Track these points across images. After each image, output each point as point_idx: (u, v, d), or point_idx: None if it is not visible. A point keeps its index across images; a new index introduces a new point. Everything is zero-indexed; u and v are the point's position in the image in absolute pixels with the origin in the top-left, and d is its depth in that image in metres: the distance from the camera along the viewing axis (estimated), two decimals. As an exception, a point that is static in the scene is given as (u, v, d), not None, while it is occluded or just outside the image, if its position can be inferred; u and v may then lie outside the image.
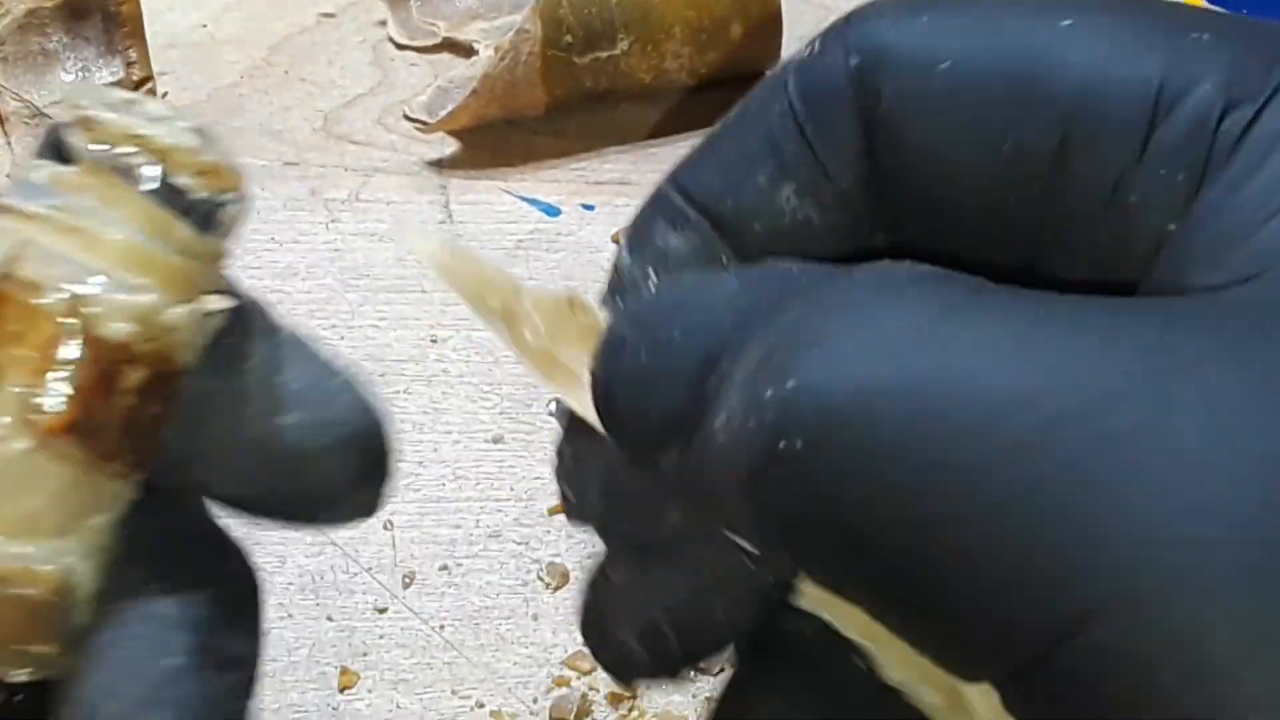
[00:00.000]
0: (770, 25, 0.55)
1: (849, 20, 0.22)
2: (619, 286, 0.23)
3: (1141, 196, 0.20)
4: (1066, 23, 0.20)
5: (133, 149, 0.21)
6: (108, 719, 0.20)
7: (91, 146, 0.21)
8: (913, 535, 0.17)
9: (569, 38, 0.54)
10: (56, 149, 0.21)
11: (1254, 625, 0.16)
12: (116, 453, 0.20)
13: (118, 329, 0.20)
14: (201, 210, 0.21)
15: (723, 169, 0.22)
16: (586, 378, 0.22)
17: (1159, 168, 0.19)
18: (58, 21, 0.53)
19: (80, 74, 0.53)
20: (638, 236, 0.23)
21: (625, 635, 0.23)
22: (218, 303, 0.21)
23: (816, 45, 0.22)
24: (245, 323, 0.22)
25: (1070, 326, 0.17)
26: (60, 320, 0.20)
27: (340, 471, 0.22)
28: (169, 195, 0.21)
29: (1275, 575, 0.16)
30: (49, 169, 0.21)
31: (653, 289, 0.22)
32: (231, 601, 0.22)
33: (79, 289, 0.20)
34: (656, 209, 0.23)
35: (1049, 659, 0.16)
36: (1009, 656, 0.17)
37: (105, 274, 0.20)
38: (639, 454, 0.21)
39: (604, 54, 0.54)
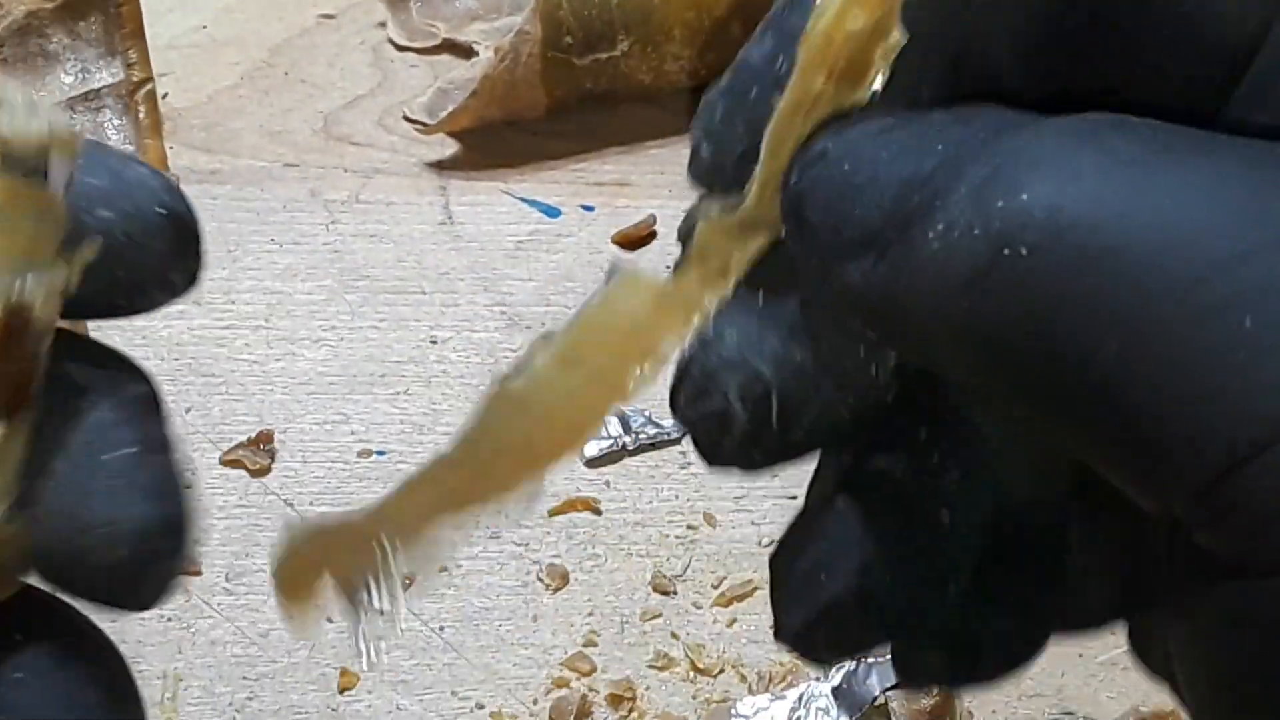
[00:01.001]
0: (770, 26, 0.55)
1: None
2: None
3: (1217, 21, 0.20)
4: None
5: (27, 152, 0.21)
6: (89, 512, 0.22)
7: None
8: (1125, 345, 0.18)
9: (569, 39, 0.54)
10: None
11: None
12: None
13: None
14: (30, 168, 0.22)
15: None
16: None
17: None
18: (58, 23, 0.53)
19: (80, 75, 0.53)
20: None
21: (727, 387, 0.23)
22: (60, 271, 0.22)
23: None
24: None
25: (1269, 165, 0.18)
26: None
27: (154, 254, 0.23)
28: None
29: None
30: None
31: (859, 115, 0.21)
32: (143, 395, 0.24)
33: None
34: None
35: (1239, 472, 0.17)
36: (1202, 469, 0.17)
37: None
38: (828, 263, 0.21)
39: (604, 55, 0.54)
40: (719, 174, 0.23)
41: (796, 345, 0.23)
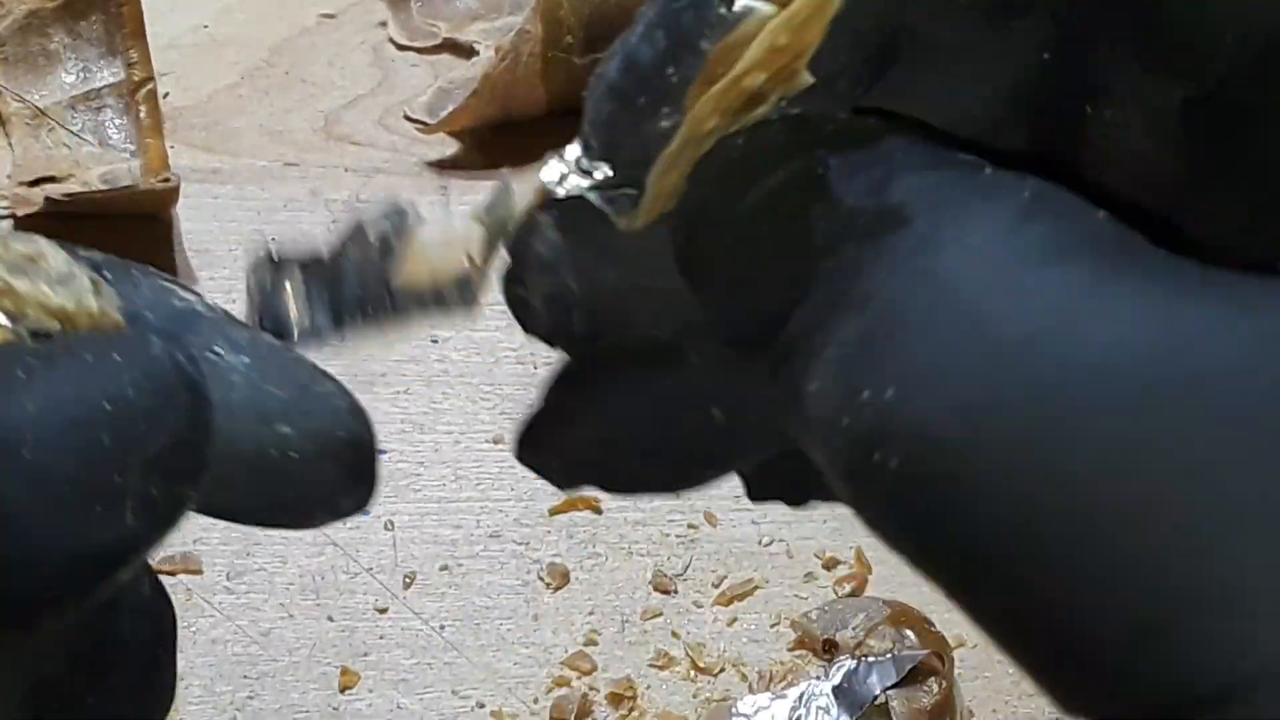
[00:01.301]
0: (770, 26, 0.56)
1: None
2: None
3: None
4: None
5: (42, 318, 0.20)
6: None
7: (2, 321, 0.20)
8: (1010, 586, 0.15)
9: (569, 38, 0.54)
10: None
11: None
12: None
13: None
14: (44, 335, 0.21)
15: None
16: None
17: None
18: (59, 22, 0.53)
19: (81, 75, 0.53)
20: None
21: (534, 290, 0.22)
22: None
23: None
24: (228, 338, 0.22)
25: (1216, 316, 0.15)
26: None
27: (329, 478, 0.22)
28: None
29: None
30: None
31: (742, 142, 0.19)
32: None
33: None
34: None
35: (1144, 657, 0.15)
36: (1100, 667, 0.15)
37: None
38: (726, 339, 0.19)
39: (604, 54, 0.54)
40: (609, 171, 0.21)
41: (610, 265, 0.21)
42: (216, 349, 0.22)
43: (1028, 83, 0.18)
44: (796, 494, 0.22)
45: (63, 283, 0.21)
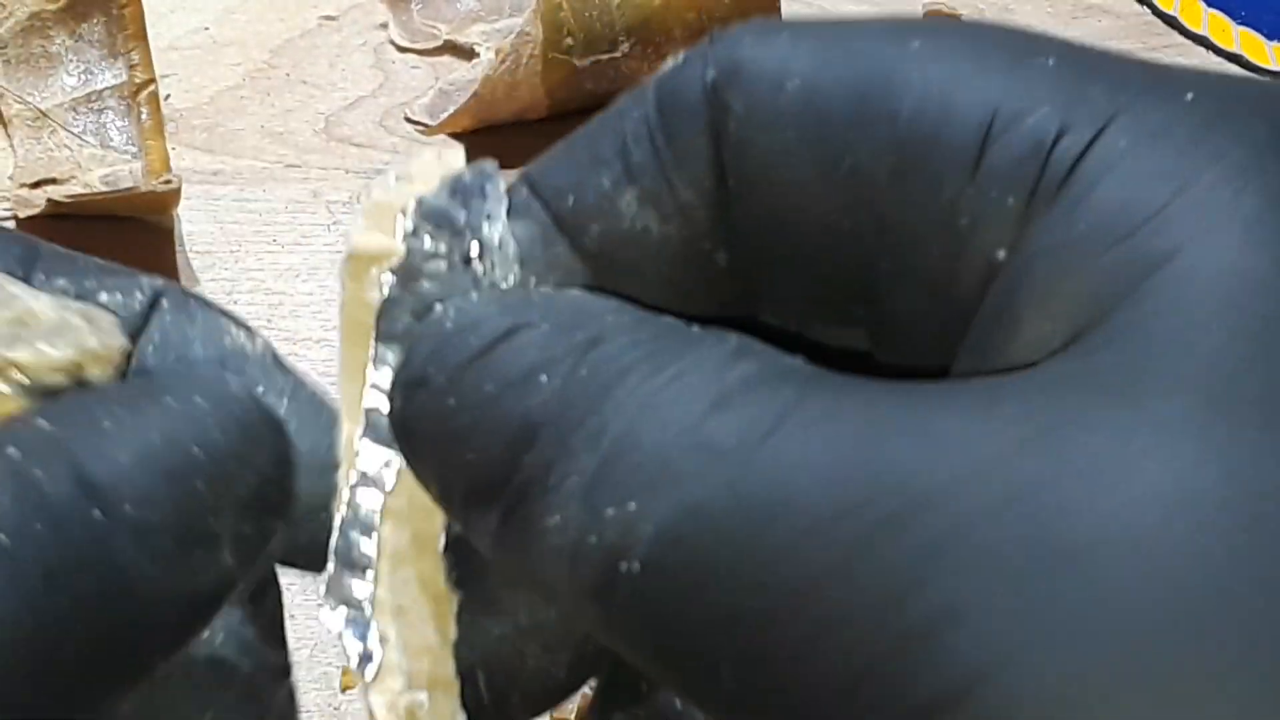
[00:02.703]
0: (770, 28, 0.56)
1: (713, 37, 0.22)
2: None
3: (973, 219, 0.19)
4: (915, 44, 0.20)
5: (49, 378, 0.21)
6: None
7: (6, 389, 0.20)
8: (741, 661, 0.17)
9: (570, 40, 0.54)
10: None
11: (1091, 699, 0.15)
12: None
13: None
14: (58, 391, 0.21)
15: (570, 168, 0.22)
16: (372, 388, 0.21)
17: (990, 190, 0.19)
18: (60, 24, 0.53)
19: (83, 77, 0.53)
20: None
21: None
22: None
23: (681, 58, 0.22)
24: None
25: (889, 429, 0.17)
26: None
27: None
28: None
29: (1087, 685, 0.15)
30: None
31: (453, 313, 0.21)
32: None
33: None
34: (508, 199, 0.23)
35: None
36: None
37: None
38: (447, 508, 0.20)
39: (604, 56, 0.54)
40: None
41: (494, 619, 0.23)
42: (259, 391, 0.22)
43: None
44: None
45: (58, 333, 0.21)
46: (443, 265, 0.22)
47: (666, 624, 0.18)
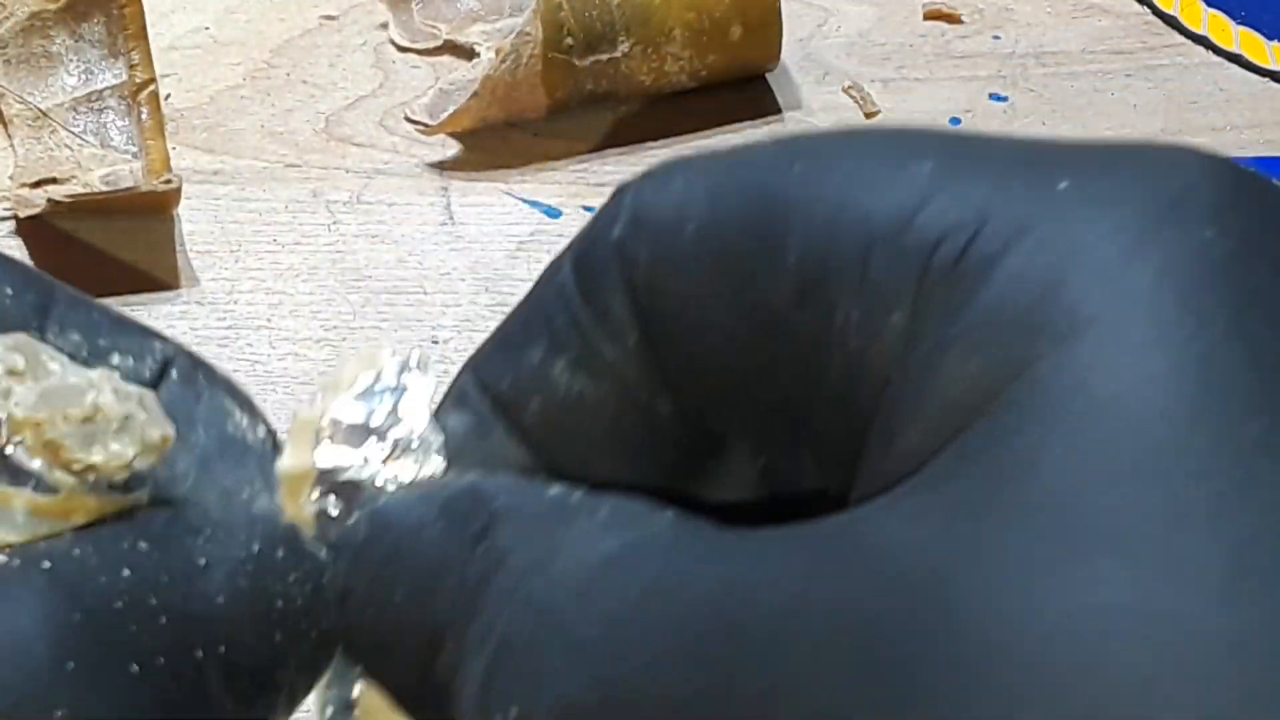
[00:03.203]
0: (770, 27, 0.56)
1: (621, 190, 0.22)
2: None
3: (863, 338, 0.19)
4: (798, 168, 0.20)
5: (115, 474, 0.21)
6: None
7: (71, 480, 0.21)
8: None
9: (570, 40, 0.54)
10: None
11: None
12: None
13: None
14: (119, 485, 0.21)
15: (504, 348, 0.23)
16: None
17: (875, 307, 0.19)
18: (61, 24, 0.53)
19: (83, 77, 0.53)
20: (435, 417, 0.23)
21: None
22: None
23: (598, 213, 0.22)
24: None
25: (756, 574, 0.17)
26: None
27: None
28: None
29: None
30: (26, 499, 0.21)
31: (364, 523, 0.22)
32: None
33: None
34: (449, 395, 0.23)
35: None
36: None
37: None
38: (396, 703, 0.21)
39: (604, 56, 0.54)
40: None
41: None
42: (255, 485, 0.23)
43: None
44: None
45: (125, 430, 0.21)
46: (363, 474, 0.22)
47: None
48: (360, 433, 0.22)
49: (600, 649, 0.18)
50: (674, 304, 0.21)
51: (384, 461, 0.22)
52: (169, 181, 0.50)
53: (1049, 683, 0.15)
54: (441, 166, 0.55)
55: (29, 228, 0.51)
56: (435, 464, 0.22)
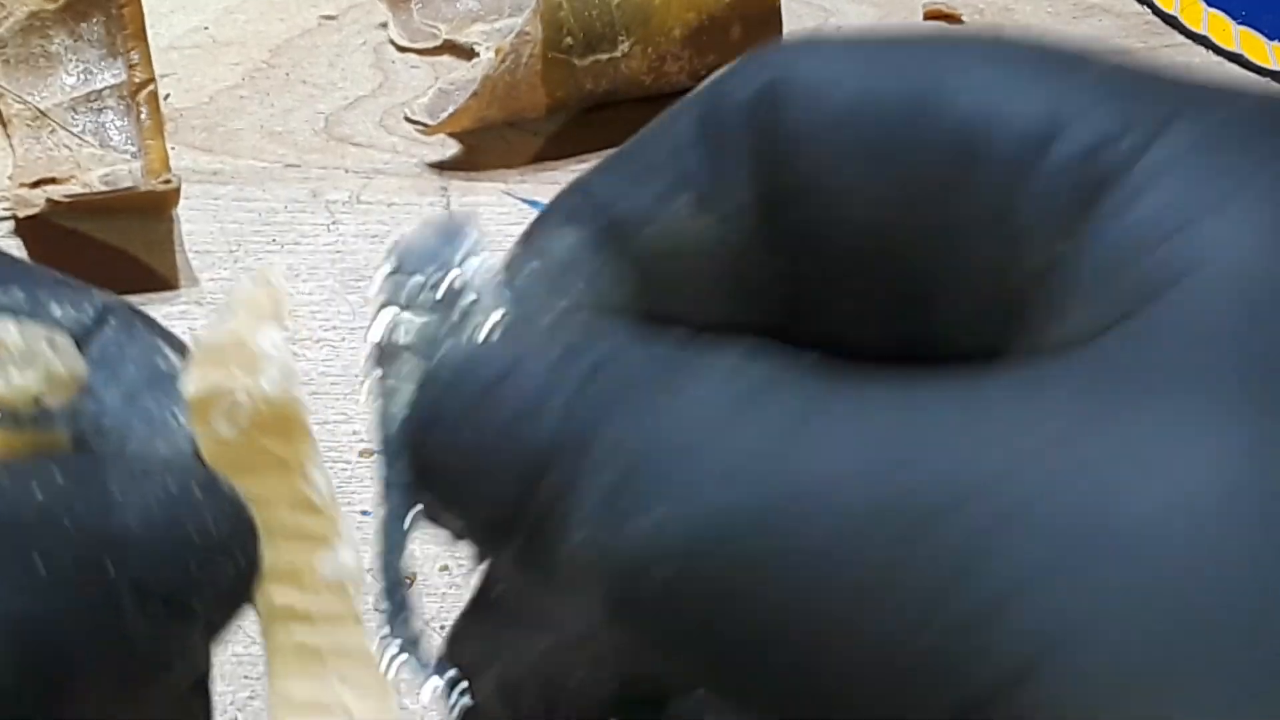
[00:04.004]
0: (769, 27, 0.56)
1: (750, 58, 0.22)
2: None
3: (1029, 220, 0.20)
4: (965, 54, 0.21)
5: (18, 405, 0.21)
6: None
7: None
8: (786, 655, 0.17)
9: (569, 40, 0.54)
10: None
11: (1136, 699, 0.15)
12: None
13: None
14: (31, 417, 0.22)
15: (624, 174, 0.23)
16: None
17: (1045, 191, 0.19)
18: (60, 24, 0.53)
19: (82, 76, 0.53)
20: (531, 231, 0.23)
21: (485, 690, 0.23)
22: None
23: (732, 65, 0.22)
24: None
25: (927, 418, 0.17)
26: None
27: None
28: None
29: (1151, 655, 0.15)
30: None
31: (465, 342, 0.21)
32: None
33: None
34: (555, 205, 0.23)
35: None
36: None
37: None
38: (471, 542, 0.21)
39: (604, 56, 0.54)
40: None
41: (538, 633, 0.23)
42: (177, 413, 0.23)
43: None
44: None
45: (28, 361, 0.21)
46: (432, 306, 0.22)
47: (703, 630, 0.18)
48: (425, 264, 0.22)
49: (766, 458, 0.17)
50: (811, 166, 0.21)
51: (451, 298, 0.22)
52: (168, 181, 0.50)
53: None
54: (441, 166, 0.55)
55: (28, 227, 0.51)
56: (502, 307, 0.22)
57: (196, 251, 0.52)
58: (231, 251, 0.52)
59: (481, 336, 0.21)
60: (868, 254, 0.21)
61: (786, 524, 0.17)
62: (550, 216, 0.23)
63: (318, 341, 0.50)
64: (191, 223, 0.52)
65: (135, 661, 0.21)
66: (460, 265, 0.22)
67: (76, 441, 0.22)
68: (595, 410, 0.19)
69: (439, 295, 0.22)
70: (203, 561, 0.21)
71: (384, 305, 0.22)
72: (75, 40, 0.53)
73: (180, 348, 0.24)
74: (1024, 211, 0.20)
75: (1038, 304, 0.20)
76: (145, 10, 0.53)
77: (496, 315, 0.21)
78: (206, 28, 0.59)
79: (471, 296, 0.22)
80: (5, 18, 0.53)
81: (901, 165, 0.20)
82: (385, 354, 0.22)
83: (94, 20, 0.53)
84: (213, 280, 0.51)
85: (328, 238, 0.53)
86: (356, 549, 0.23)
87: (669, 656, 0.18)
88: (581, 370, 0.19)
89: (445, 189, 0.54)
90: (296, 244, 0.52)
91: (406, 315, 0.22)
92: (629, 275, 0.22)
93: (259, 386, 0.22)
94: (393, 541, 0.22)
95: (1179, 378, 0.17)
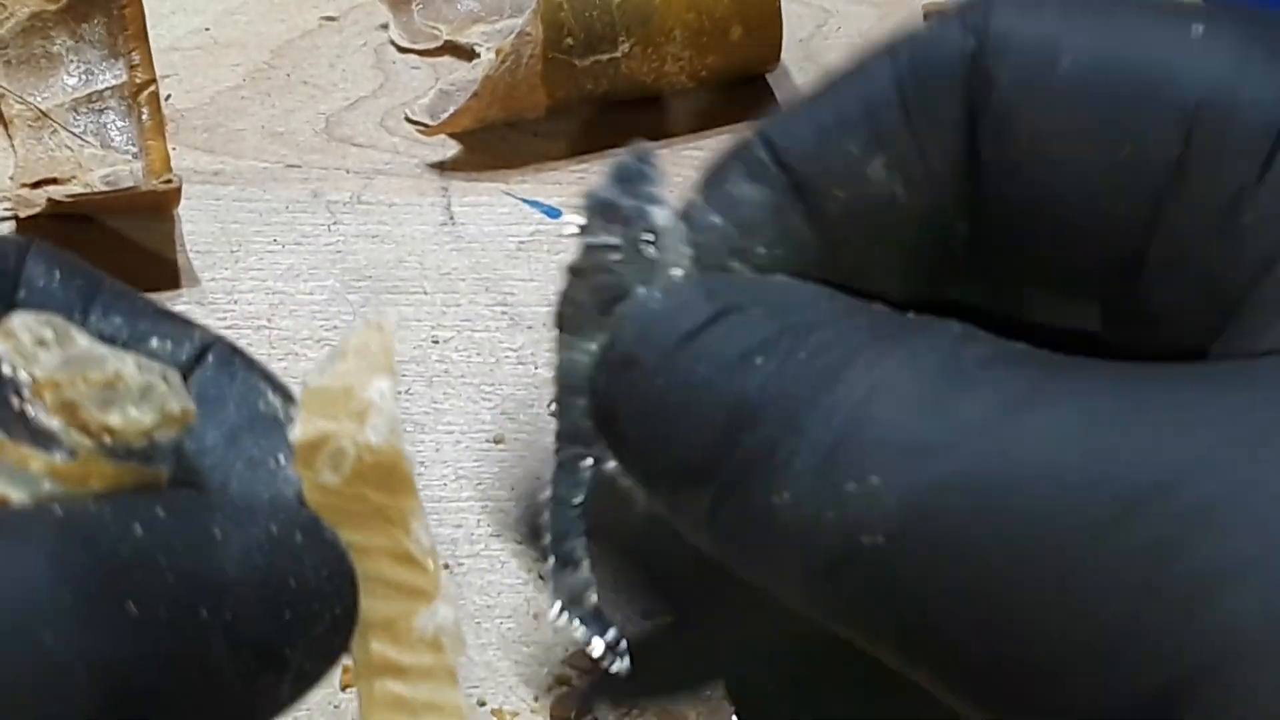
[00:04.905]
0: (770, 28, 0.56)
1: (970, 5, 0.21)
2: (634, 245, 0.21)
3: (1258, 217, 0.19)
4: (1199, 28, 0.19)
5: (134, 440, 0.21)
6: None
7: (88, 443, 0.20)
8: (996, 628, 0.17)
9: (570, 40, 0.54)
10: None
11: None
12: None
13: None
14: (138, 453, 0.21)
15: (815, 129, 0.22)
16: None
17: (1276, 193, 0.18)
18: (61, 25, 0.53)
19: (83, 77, 0.53)
20: (711, 179, 0.22)
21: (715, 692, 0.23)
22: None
23: (933, 23, 0.21)
24: None
25: (1143, 405, 0.17)
26: None
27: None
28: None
29: None
30: (44, 460, 0.20)
31: (659, 296, 0.20)
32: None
33: None
34: (737, 156, 0.22)
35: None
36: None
37: None
38: (654, 490, 0.20)
39: (605, 56, 0.54)
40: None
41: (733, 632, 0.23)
42: (280, 457, 0.22)
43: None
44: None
45: (145, 398, 0.21)
46: (618, 255, 0.21)
47: (911, 598, 0.17)
48: (614, 216, 0.22)
49: (989, 433, 0.17)
50: (1028, 136, 0.20)
51: (639, 247, 0.21)
52: (169, 182, 0.50)
53: None
54: (441, 167, 0.55)
55: (29, 228, 0.51)
56: (687, 255, 0.21)
57: (198, 252, 0.52)
58: (233, 252, 0.52)
59: (670, 289, 0.20)
60: (1080, 231, 0.20)
61: (1004, 496, 0.17)
62: (732, 166, 0.22)
63: (318, 341, 0.50)
64: (193, 223, 0.52)
65: (223, 709, 0.20)
66: (646, 215, 0.22)
67: (175, 481, 0.22)
68: (809, 370, 0.18)
69: (624, 247, 0.21)
70: (299, 609, 0.21)
71: (572, 264, 0.22)
72: (76, 41, 0.53)
73: (280, 388, 0.23)
74: (1254, 209, 0.19)
75: (1254, 305, 0.19)
76: (146, 11, 0.53)
77: (683, 267, 0.21)
78: (207, 29, 0.59)
79: (656, 250, 0.21)
80: (7, 18, 0.53)
81: (1128, 146, 0.19)
82: (570, 303, 0.21)
83: (95, 21, 0.53)
84: (214, 280, 0.51)
85: (328, 238, 0.53)
86: (455, 605, 0.23)
87: (872, 624, 0.18)
88: (792, 328, 0.19)
89: (445, 189, 0.55)
90: (297, 244, 0.52)
91: (594, 267, 0.21)
92: (815, 239, 0.21)
93: (366, 436, 0.22)
94: (564, 490, 0.22)
95: None
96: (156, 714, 0.19)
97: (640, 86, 0.55)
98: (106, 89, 0.53)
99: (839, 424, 0.18)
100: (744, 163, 0.22)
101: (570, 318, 0.21)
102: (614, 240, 0.21)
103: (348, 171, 0.55)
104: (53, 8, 0.53)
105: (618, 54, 0.54)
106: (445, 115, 0.55)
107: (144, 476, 0.21)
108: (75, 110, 0.53)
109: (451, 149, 0.56)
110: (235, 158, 0.55)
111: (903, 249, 0.21)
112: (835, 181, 0.21)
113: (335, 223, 0.53)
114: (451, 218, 0.54)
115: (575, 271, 0.21)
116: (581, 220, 0.21)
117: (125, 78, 0.52)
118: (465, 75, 0.58)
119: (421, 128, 0.56)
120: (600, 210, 0.21)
